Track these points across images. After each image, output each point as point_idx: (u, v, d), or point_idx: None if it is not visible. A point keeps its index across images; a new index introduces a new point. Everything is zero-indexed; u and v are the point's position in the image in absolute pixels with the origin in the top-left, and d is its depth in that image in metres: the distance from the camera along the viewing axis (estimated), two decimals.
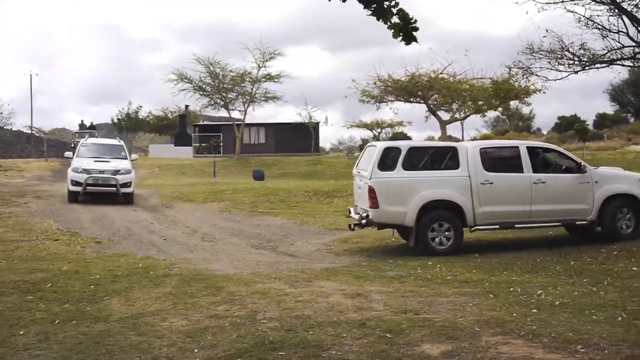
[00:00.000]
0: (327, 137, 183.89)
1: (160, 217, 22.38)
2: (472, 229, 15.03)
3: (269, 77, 59.20)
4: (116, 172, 25.58)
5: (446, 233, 14.65)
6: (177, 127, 69.94)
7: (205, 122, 72.20)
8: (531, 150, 15.51)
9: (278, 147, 62.55)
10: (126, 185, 25.50)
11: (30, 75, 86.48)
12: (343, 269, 12.94)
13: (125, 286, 11.03)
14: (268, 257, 14.75)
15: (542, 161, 15.86)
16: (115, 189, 25.29)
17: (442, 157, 15.30)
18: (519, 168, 15.13)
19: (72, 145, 53.83)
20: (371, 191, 14.51)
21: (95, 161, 26.26)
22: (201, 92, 60.15)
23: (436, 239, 14.61)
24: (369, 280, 11.55)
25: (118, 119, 76.94)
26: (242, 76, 59.22)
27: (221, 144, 62.43)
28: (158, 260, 13.93)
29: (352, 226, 15.69)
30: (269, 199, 26.79)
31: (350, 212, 16.29)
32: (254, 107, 61.48)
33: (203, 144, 63.32)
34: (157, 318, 8.86)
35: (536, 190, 15.02)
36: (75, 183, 25.14)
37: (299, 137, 62.78)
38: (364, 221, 14.75)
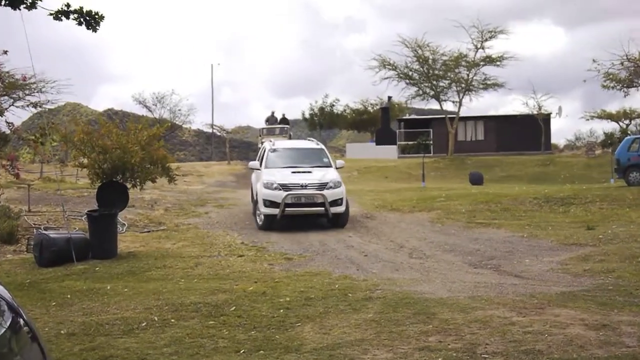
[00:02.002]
0: (561, 132, 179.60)
1: (360, 229, 22.64)
2: None
3: (489, 60, 58.62)
4: (322, 186, 23.04)
5: None
6: (378, 123, 70.69)
7: (413, 116, 72.58)
8: None
9: (500, 144, 61.72)
10: (337, 202, 22.95)
11: (212, 65, 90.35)
12: (583, 293, 12.51)
13: (319, 311, 11.21)
14: (489, 278, 14.53)
15: None
16: (322, 208, 22.83)
17: None
18: None
19: (260, 144, 55.41)
20: None
21: (292, 172, 23.85)
22: (407, 80, 60.51)
23: None
24: (616, 308, 11.09)
25: (310, 114, 78.72)
26: (457, 60, 59.00)
27: (431, 142, 62.53)
28: (358, 281, 14.07)
29: None
30: (490, 208, 26.43)
31: None
32: (470, 97, 61.24)
33: (410, 142, 63.73)
34: (357, 349, 8.94)
35: None
36: (270, 204, 22.74)
37: (526, 132, 61.63)
38: None
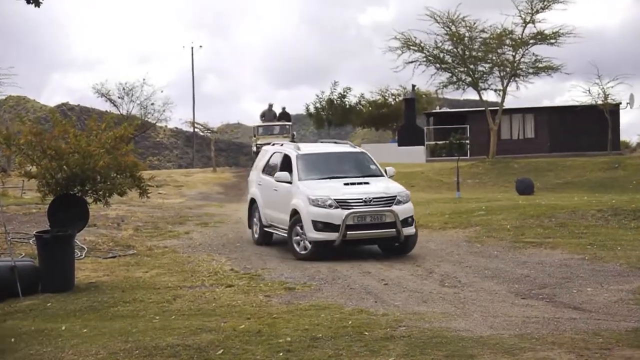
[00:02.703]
0: (634, 126, 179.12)
1: (378, 251, 22.62)
2: None
3: (541, 38, 58.40)
4: (390, 200, 21.91)
5: None
6: (401, 118, 70.75)
7: (444, 109, 72.62)
8: None
9: (555, 143, 61.69)
10: (407, 222, 21.86)
11: (192, 48, 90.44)
12: None
13: (328, 354, 11.27)
14: (541, 311, 14.53)
15: None
16: (393, 230, 21.54)
17: None
18: None
19: (254, 149, 55.11)
20: None
21: (345, 184, 22.52)
22: (438, 65, 60.32)
23: None
24: None
25: (316, 107, 78.67)
26: (500, 38, 58.81)
27: (468, 141, 62.55)
28: (376, 316, 14.11)
29: None
30: (542, 223, 26.41)
31: None
32: (517, 84, 60.87)
33: (440, 142, 63.71)
34: None
35: None
36: (324, 226, 21.44)
37: (587, 128, 61.55)
38: None
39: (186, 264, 20.89)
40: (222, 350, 11.57)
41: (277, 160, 24.96)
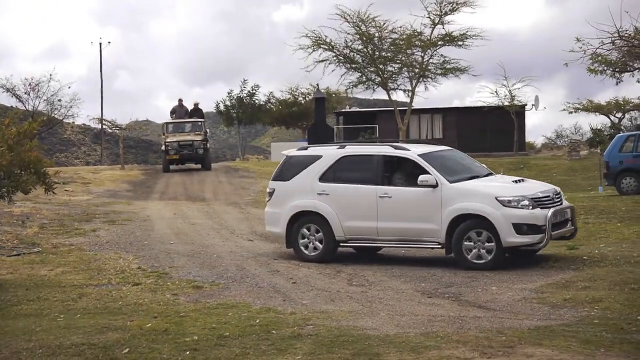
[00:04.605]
0: (539, 128, 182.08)
1: (287, 250, 22.55)
2: None
3: (450, 39, 58.79)
4: (560, 197, 20.91)
5: None
6: (312, 117, 70.80)
7: (354, 109, 72.84)
8: None
9: (463, 143, 62.12)
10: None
11: (100, 44, 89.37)
12: (563, 328, 12.68)
13: (235, 353, 11.25)
14: (447, 310, 14.64)
15: None
16: (573, 227, 21.02)
17: None
18: None
19: (164, 148, 53.83)
20: None
21: (514, 182, 21.24)
22: (348, 65, 60.35)
23: None
24: (604, 346, 11.27)
25: (226, 106, 78.23)
26: (409, 39, 59.04)
27: (377, 141, 62.82)
28: (284, 315, 14.14)
29: None
30: None
31: None
32: (426, 85, 61.26)
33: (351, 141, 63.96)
34: None
35: None
36: (528, 229, 19.59)
37: (494, 129, 62.26)
38: None
39: (93, 262, 20.65)
40: (128, 350, 11.48)
41: (364, 164, 21.85)
